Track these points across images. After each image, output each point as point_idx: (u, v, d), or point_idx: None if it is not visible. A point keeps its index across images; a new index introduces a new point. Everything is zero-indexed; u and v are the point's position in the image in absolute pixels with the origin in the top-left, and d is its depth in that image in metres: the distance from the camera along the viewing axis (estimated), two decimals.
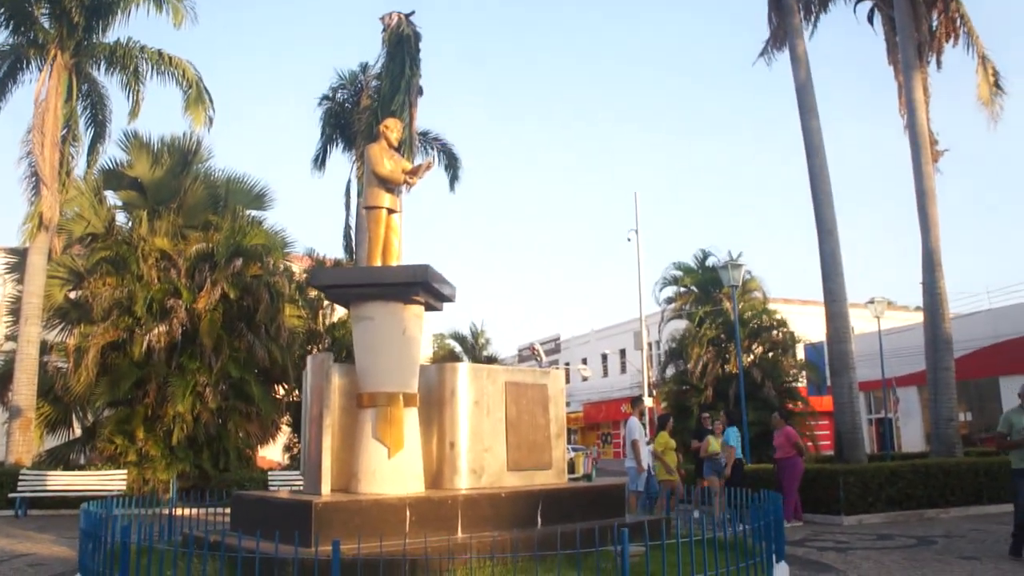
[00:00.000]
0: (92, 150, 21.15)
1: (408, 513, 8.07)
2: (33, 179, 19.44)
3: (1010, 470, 9.67)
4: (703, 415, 16.52)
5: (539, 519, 9.04)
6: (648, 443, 14.46)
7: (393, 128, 10.29)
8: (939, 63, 19.70)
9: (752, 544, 7.88)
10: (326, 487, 8.76)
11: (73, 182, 20.13)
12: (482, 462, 9.67)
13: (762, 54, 20.79)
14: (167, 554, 7.20)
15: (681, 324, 24.58)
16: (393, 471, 8.84)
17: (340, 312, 22.15)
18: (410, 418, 9.17)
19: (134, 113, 20.39)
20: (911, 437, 31.61)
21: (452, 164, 26.04)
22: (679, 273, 24.43)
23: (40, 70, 19.94)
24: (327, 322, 22.81)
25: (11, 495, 16.29)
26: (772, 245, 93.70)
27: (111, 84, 21.32)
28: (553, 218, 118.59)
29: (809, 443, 20.84)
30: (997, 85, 19.21)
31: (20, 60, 20.28)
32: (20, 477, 16.51)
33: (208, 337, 17.96)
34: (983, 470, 14.84)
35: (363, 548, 6.70)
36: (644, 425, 14.86)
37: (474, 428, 9.68)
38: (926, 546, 10.60)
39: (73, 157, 20.47)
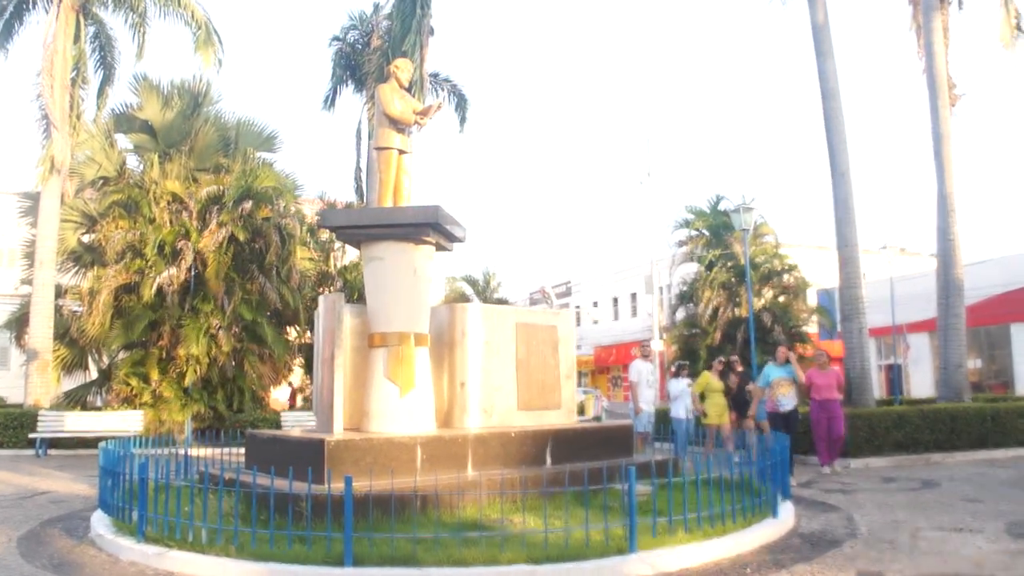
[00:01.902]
0: (101, 93, 21.11)
1: (419, 451, 8.20)
2: (44, 122, 19.46)
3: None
4: (732, 358, 15.36)
5: (548, 458, 9.18)
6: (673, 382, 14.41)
7: (404, 68, 10.21)
8: (960, 2, 19.30)
9: (758, 484, 7.99)
10: (338, 426, 8.89)
11: (84, 125, 20.13)
12: (492, 402, 9.78)
13: None
14: (184, 490, 7.37)
15: (692, 268, 24.52)
16: (404, 410, 8.97)
17: (351, 254, 22.22)
18: (421, 358, 9.26)
19: (140, 55, 20.28)
20: (921, 383, 31.66)
21: (462, 105, 25.86)
22: (691, 216, 24.29)
23: (47, 11, 19.78)
24: (338, 264, 22.90)
25: (31, 435, 16.60)
26: (786, 190, 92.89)
27: (119, 26, 21.15)
28: (566, 161, 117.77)
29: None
30: (1019, 27, 18.84)
31: (26, 1, 20.09)
32: (39, 418, 16.80)
33: (217, 280, 18.06)
34: (990, 416, 14.91)
35: (375, 485, 6.84)
36: (655, 367, 14.79)
37: (484, 368, 9.78)
38: (930, 488, 10.71)
39: (83, 100, 20.44)
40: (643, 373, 13.87)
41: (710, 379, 14.03)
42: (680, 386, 14.34)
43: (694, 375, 15.61)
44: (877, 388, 23.81)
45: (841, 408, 12.93)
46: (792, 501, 8.93)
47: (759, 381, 12.93)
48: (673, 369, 15.65)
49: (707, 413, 13.84)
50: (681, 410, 14.08)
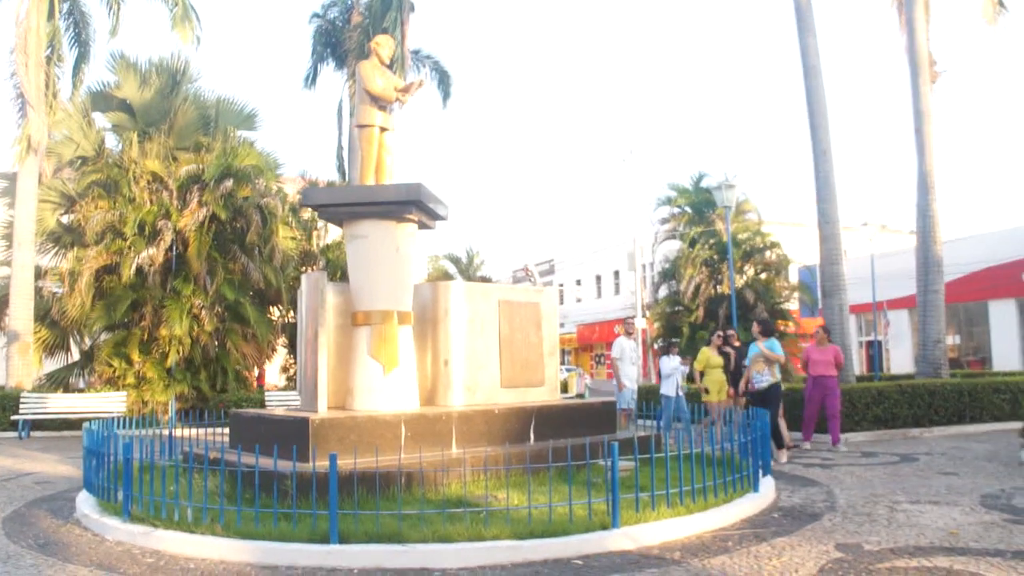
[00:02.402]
0: (77, 71, 20.81)
1: (403, 429, 8.24)
2: (19, 101, 19.18)
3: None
4: (729, 332, 14.70)
5: (531, 435, 9.25)
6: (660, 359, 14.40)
7: (384, 45, 10.15)
8: None
9: (739, 459, 8.09)
10: (323, 404, 8.91)
11: (60, 104, 19.85)
12: (476, 379, 9.83)
13: None
14: (169, 470, 7.38)
15: (675, 245, 24.62)
16: (388, 388, 8.99)
17: (334, 233, 22.17)
18: (404, 336, 9.28)
19: (114, 31, 20.01)
20: (900, 360, 32.02)
21: (444, 82, 25.76)
22: (673, 194, 24.35)
23: None
24: (321, 243, 22.83)
25: (14, 417, 16.53)
26: (768, 167, 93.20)
27: (94, 3, 20.83)
28: (548, 139, 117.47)
29: (799, 364, 20.82)
30: (1001, 3, 18.91)
31: None
32: (21, 400, 16.72)
33: (198, 259, 17.98)
34: (967, 391, 15.12)
35: (359, 463, 6.88)
36: (638, 344, 14.86)
37: (468, 346, 9.82)
38: (908, 463, 10.87)
39: (59, 78, 20.14)
40: (626, 350, 13.97)
41: (710, 355, 13.61)
42: (672, 364, 14.18)
43: (683, 353, 15.73)
44: (857, 364, 24.12)
45: (838, 384, 12.85)
46: (772, 476, 9.05)
47: (745, 359, 12.66)
48: (658, 346, 15.74)
49: (708, 389, 13.44)
50: (672, 388, 14.01)
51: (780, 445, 11.41)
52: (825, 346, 12.91)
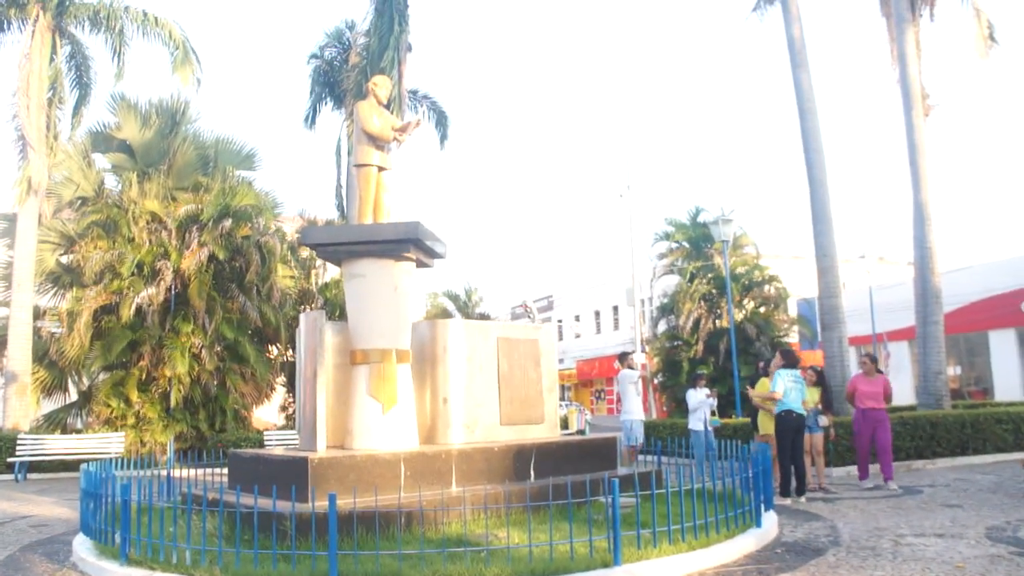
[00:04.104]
0: (77, 112, 20.98)
1: (403, 468, 8.19)
2: (20, 143, 19.32)
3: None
4: (758, 362, 14.41)
5: (532, 472, 9.19)
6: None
7: (382, 85, 10.26)
8: (932, 14, 19.61)
9: (741, 494, 8.04)
10: (322, 444, 8.87)
11: (61, 145, 20.00)
12: (475, 417, 9.80)
13: (755, 8, 20.70)
14: (167, 511, 7.32)
15: (673, 280, 24.68)
16: (387, 427, 8.96)
17: (332, 272, 22.21)
18: (403, 374, 9.26)
19: (120, 75, 20.18)
20: (900, 391, 31.74)
21: (442, 122, 25.92)
22: (671, 229, 24.46)
23: (22, 31, 19.69)
24: (319, 282, 22.87)
25: (10, 459, 16.39)
26: (765, 201, 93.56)
27: (96, 45, 21.09)
28: (546, 176, 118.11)
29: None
30: (991, 37, 19.17)
31: (1, 21, 19.99)
32: (18, 441, 16.60)
33: (198, 299, 18.00)
34: (969, 422, 15.05)
35: (359, 502, 6.82)
36: (639, 378, 14.62)
37: (467, 383, 9.80)
38: (911, 495, 10.80)
39: (60, 120, 20.31)
40: (624, 382, 13.86)
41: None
42: (699, 396, 13.77)
43: (677, 387, 15.59)
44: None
45: (888, 417, 12.10)
46: (775, 510, 8.98)
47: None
48: (658, 381, 15.57)
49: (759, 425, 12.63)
50: (699, 422, 13.65)
51: (801, 491, 10.73)
52: (874, 377, 12.16)
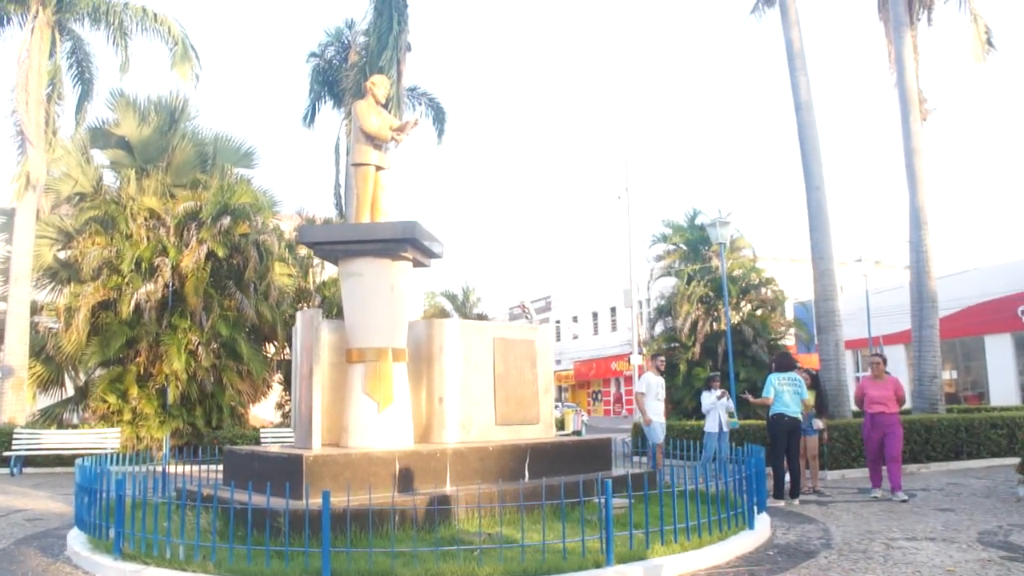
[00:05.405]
0: (80, 109, 20.99)
1: (397, 466, 8.21)
2: (19, 138, 19.33)
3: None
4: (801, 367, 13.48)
5: (526, 472, 9.22)
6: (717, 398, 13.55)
7: (380, 85, 10.28)
8: (930, 19, 19.66)
9: (734, 496, 8.06)
10: (317, 441, 8.90)
11: (60, 141, 20.02)
12: (470, 416, 9.82)
13: (753, 11, 20.76)
14: (161, 507, 7.34)
15: (671, 282, 24.69)
16: (382, 425, 8.98)
17: (330, 271, 22.21)
18: (399, 373, 9.29)
19: (124, 68, 20.18)
20: None
21: (439, 118, 26.04)
22: (669, 231, 24.47)
23: (21, 27, 19.70)
24: (317, 280, 22.88)
25: (6, 453, 16.41)
26: (762, 203, 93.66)
27: (96, 41, 21.10)
28: (544, 176, 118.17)
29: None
30: (989, 42, 19.22)
31: (1, 16, 20.00)
32: (14, 436, 16.61)
33: (195, 296, 18.02)
34: (963, 426, 15.08)
35: (353, 500, 6.85)
36: (662, 381, 14.30)
37: (463, 383, 9.83)
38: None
39: (59, 116, 20.32)
40: (652, 385, 13.78)
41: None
42: (711, 398, 13.66)
43: (672, 388, 15.53)
44: (853, 400, 24.01)
45: (899, 423, 11.32)
46: (768, 513, 9.01)
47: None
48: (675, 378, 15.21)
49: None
50: (713, 424, 13.53)
51: (795, 493, 10.82)
52: (883, 379, 11.28)
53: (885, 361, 11.77)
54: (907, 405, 22.57)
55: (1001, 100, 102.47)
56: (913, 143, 17.68)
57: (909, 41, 18.32)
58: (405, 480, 8.13)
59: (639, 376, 28.79)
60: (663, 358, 15.55)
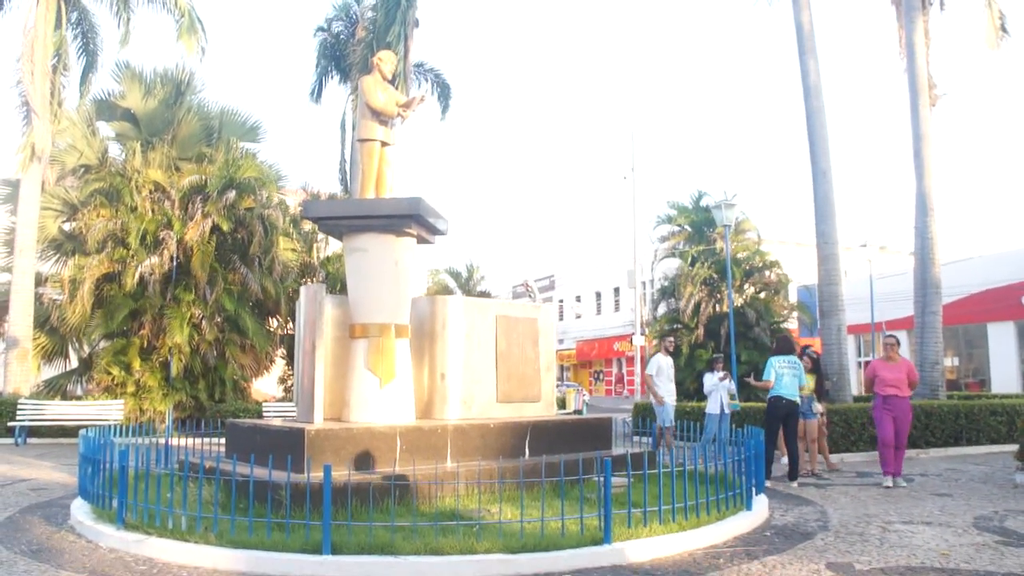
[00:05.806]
0: (85, 80, 20.94)
1: (399, 441, 8.27)
2: (24, 109, 19.32)
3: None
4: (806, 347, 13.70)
5: (527, 450, 9.27)
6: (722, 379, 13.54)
7: (387, 60, 10.24)
8: (942, 3, 19.51)
9: (733, 477, 8.11)
10: (319, 416, 8.95)
11: (65, 113, 19.98)
12: (472, 393, 9.87)
13: None
14: (164, 478, 7.41)
15: (674, 263, 24.65)
16: (384, 401, 9.03)
17: (334, 246, 22.24)
18: (401, 349, 9.33)
19: (125, 40, 20.12)
20: None
21: (445, 94, 26.00)
22: (674, 212, 24.39)
23: None
24: (321, 255, 22.89)
25: (10, 424, 16.51)
26: (768, 187, 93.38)
27: (102, 13, 21.00)
28: (550, 155, 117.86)
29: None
30: (1003, 28, 19.07)
31: None
32: (19, 406, 16.70)
33: (201, 269, 18.05)
34: (963, 413, 15.11)
35: (354, 474, 6.90)
36: (672, 363, 14.31)
37: (465, 360, 9.87)
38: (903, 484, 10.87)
39: (64, 87, 20.28)
40: (663, 367, 13.82)
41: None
42: (713, 380, 13.67)
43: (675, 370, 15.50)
44: (855, 385, 24.07)
45: (910, 409, 11.13)
46: (766, 494, 9.06)
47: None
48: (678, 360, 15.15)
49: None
50: (715, 406, 13.54)
51: (793, 475, 10.88)
52: (897, 362, 11.05)
53: (899, 343, 11.54)
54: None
55: (1012, 88, 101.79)
56: (922, 129, 17.59)
57: (921, 25, 18.18)
58: (406, 455, 8.18)
59: (641, 357, 28.92)
60: (672, 339, 15.59)
